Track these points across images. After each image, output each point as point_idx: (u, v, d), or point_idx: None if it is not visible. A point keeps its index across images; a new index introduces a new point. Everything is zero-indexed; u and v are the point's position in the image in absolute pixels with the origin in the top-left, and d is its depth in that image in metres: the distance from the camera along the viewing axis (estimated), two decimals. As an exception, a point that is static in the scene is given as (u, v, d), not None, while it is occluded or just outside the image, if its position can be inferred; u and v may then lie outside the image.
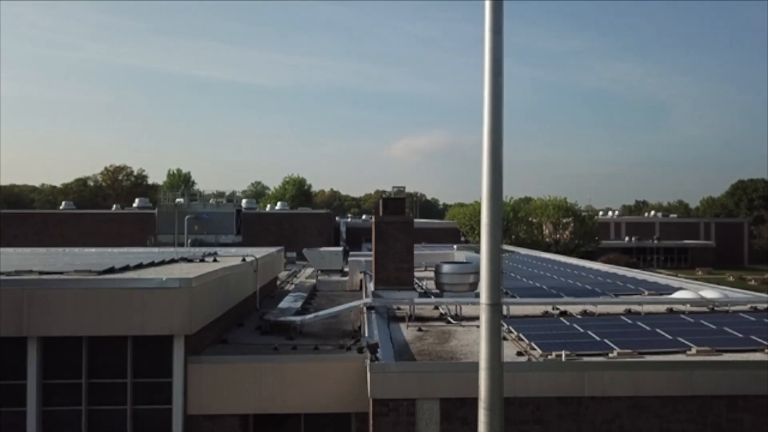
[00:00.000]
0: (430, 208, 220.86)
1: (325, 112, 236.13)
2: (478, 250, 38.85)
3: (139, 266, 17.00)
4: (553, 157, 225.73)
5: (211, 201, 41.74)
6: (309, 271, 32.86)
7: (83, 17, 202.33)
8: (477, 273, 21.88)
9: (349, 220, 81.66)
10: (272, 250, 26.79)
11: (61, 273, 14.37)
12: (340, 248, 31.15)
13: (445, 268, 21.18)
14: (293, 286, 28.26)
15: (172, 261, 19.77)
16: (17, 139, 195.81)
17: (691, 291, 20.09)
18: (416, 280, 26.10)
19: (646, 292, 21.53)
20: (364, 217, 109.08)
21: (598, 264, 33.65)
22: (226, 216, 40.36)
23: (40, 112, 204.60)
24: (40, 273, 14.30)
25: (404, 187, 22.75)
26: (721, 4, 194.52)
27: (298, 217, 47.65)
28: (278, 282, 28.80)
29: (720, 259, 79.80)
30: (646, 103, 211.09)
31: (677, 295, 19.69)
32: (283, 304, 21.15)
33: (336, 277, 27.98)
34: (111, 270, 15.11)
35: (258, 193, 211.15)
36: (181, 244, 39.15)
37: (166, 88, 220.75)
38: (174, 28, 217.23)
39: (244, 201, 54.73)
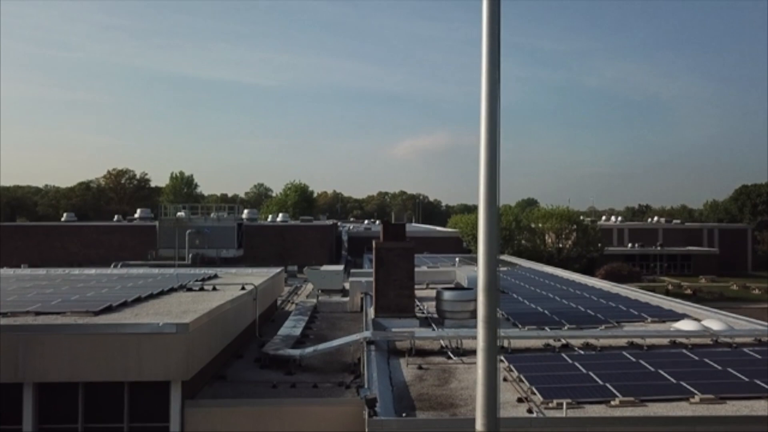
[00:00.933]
0: (432, 210, 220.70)
1: (328, 112, 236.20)
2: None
3: (138, 300, 16.90)
4: (555, 158, 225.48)
5: (212, 215, 41.65)
6: (310, 287, 32.72)
7: (85, 18, 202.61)
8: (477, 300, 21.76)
9: (351, 227, 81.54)
10: (273, 272, 26.65)
11: (58, 314, 14.26)
12: (341, 267, 31.02)
13: (446, 295, 21.07)
14: (294, 306, 28.15)
15: (171, 290, 19.70)
16: (20, 140, 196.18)
17: (693, 321, 19.88)
18: (417, 302, 25.97)
19: (649, 319, 21.33)
20: (366, 222, 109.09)
21: (600, 282, 33.43)
22: (227, 230, 40.26)
23: (42, 113, 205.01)
24: (36, 314, 14.20)
25: (406, 214, 22.59)
26: (725, 3, 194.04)
27: (300, 229, 47.53)
28: (279, 301, 28.70)
29: (723, 266, 79.46)
30: (650, 103, 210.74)
31: (680, 325, 19.48)
32: (282, 331, 21.04)
33: (337, 298, 27.85)
34: (108, 309, 15.00)
35: (261, 194, 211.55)
36: (182, 259, 39.10)
37: (168, 89, 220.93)
38: (176, 29, 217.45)
39: (245, 211, 54.61)
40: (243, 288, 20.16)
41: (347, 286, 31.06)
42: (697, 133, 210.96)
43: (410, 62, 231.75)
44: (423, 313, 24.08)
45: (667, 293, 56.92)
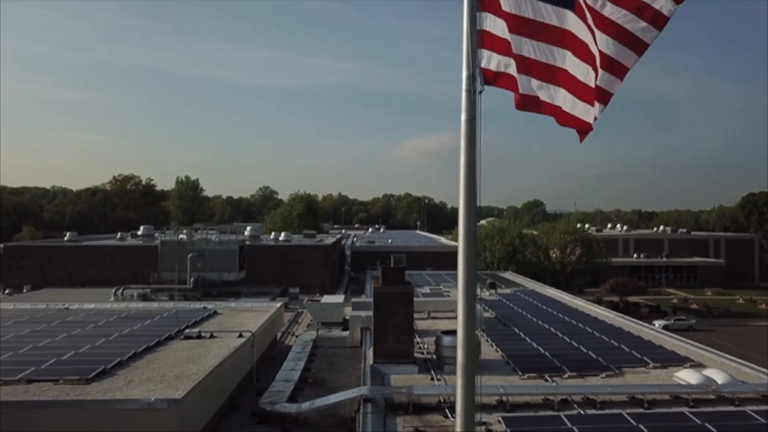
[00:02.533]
0: (437, 212, 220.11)
1: (333, 113, 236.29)
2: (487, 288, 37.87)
3: (134, 357, 16.78)
4: (560, 159, 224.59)
5: (214, 237, 41.54)
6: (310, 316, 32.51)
7: (93, 18, 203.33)
8: (478, 344, 21.54)
9: (355, 239, 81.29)
10: (273, 307, 26.49)
11: (51, 381, 14.13)
12: (341, 297, 30.83)
13: (446, 340, 20.82)
14: (294, 339, 28.00)
15: (169, 338, 19.58)
16: (27, 141, 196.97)
17: (695, 371, 19.55)
18: (417, 339, 25.76)
19: (651, 364, 21.03)
20: (370, 230, 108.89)
21: (604, 311, 33.08)
22: (229, 253, 40.15)
23: (50, 114, 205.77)
24: (28, 381, 14.08)
25: (404, 256, 22.45)
26: (735, 3, 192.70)
27: (302, 249, 47.42)
28: (279, 334, 28.55)
29: (730, 276, 78.82)
30: (657, 103, 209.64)
31: (682, 375, 19.19)
32: (281, 375, 20.90)
33: (337, 332, 27.68)
34: (102, 372, 14.86)
35: (266, 197, 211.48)
36: (184, 282, 39.01)
37: (173, 89, 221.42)
38: (183, 29, 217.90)
39: (248, 228, 54.56)
40: (240, 335, 20.02)
41: (349, 309, 30.87)
42: (705, 134, 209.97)
43: (416, 62, 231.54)
44: (423, 353, 23.87)
45: (674, 312, 56.49)
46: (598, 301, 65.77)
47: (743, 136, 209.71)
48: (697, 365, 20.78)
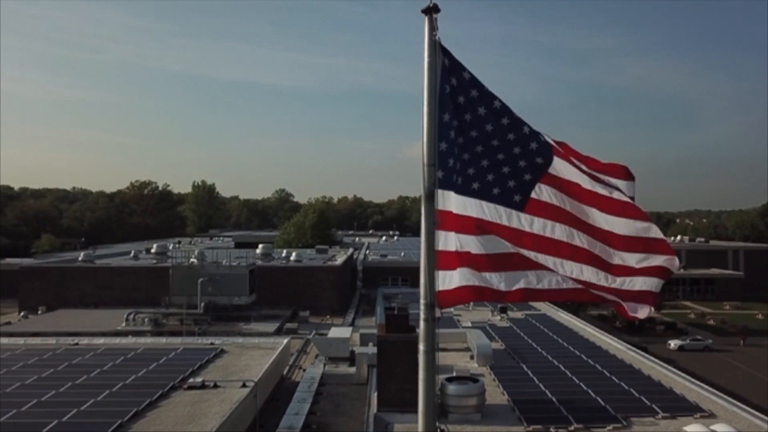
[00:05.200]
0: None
1: (348, 113, 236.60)
2: (497, 326, 37.52)
3: (135, 416, 16.85)
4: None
5: (224, 262, 41.70)
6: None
7: (107, 20, 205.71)
8: (482, 393, 21.34)
9: (368, 251, 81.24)
10: (280, 344, 26.47)
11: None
12: (348, 331, 30.73)
13: (450, 389, 20.66)
14: (302, 373, 27.98)
15: (172, 389, 19.67)
16: (47, 142, 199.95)
17: (702, 426, 19.15)
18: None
19: (660, 414, 20.67)
20: (384, 239, 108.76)
21: (615, 342, 32.59)
22: (238, 278, 40.29)
23: (68, 115, 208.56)
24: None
25: (407, 304, 22.32)
26: (756, 0, 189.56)
27: (311, 271, 47.50)
28: (287, 369, 28.55)
29: (749, 289, 77.45)
30: (675, 101, 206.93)
31: (691, 429, 18.82)
32: (285, 421, 20.84)
33: (343, 368, 27.60)
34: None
35: (282, 199, 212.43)
36: (194, 306, 39.23)
37: (188, 90, 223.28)
38: (197, 30, 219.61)
39: (260, 246, 54.74)
40: (244, 385, 20.02)
41: (357, 336, 30.73)
42: (724, 132, 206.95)
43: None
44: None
45: (687, 337, 55.52)
46: (613, 316, 65.08)
47: (763, 134, 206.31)
48: (708, 416, 20.40)
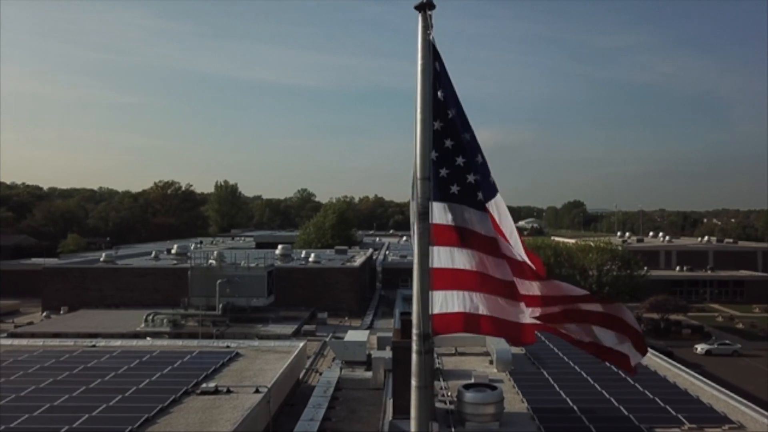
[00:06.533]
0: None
1: (370, 112, 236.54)
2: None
3: (146, 422, 16.67)
4: (603, 156, 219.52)
5: (242, 263, 41.61)
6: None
7: (137, 23, 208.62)
8: (500, 401, 20.76)
9: (387, 251, 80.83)
10: (296, 347, 26.20)
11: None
12: (365, 334, 30.36)
13: (467, 396, 20.13)
14: (318, 377, 27.68)
15: (185, 394, 19.49)
16: (76, 143, 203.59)
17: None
18: (442, 385, 25.13)
19: (686, 425, 19.90)
20: (404, 239, 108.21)
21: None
22: (257, 279, 40.17)
23: (97, 116, 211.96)
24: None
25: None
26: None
27: (330, 272, 47.27)
28: (303, 372, 28.26)
29: (779, 291, 75.36)
30: (704, 99, 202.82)
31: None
32: (299, 427, 20.54)
33: (360, 372, 27.23)
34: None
35: (304, 199, 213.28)
36: (213, 308, 39.23)
37: (212, 91, 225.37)
38: (222, 31, 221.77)
39: (279, 247, 54.63)
40: (257, 391, 19.75)
41: (374, 339, 30.31)
42: (754, 131, 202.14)
43: (458, 60, 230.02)
44: (445, 402, 23.18)
45: (714, 341, 54.13)
46: (638, 319, 63.46)
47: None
48: (737, 427, 19.58)
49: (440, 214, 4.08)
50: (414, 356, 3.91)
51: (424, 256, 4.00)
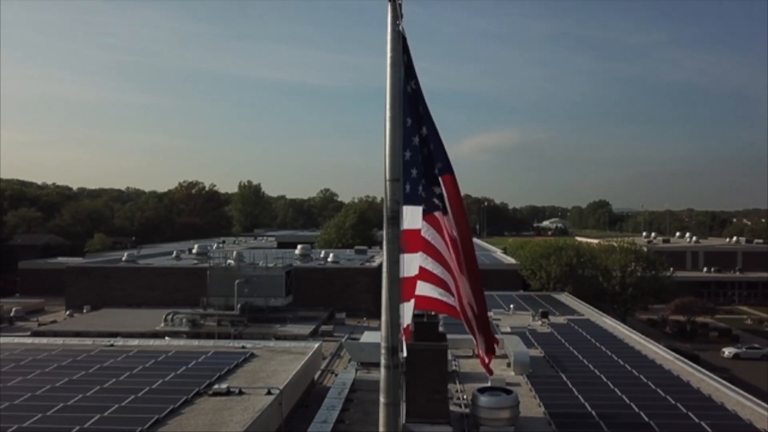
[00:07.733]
0: (498, 213, 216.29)
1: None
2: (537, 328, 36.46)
3: (156, 423, 16.67)
4: (630, 154, 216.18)
5: (261, 263, 41.71)
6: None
7: (163, 24, 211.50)
8: (516, 405, 20.37)
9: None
10: (311, 348, 26.09)
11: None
12: (382, 336, 30.08)
13: (482, 401, 19.82)
14: (333, 378, 27.52)
15: (197, 395, 19.48)
16: (103, 144, 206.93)
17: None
18: (457, 387, 24.82)
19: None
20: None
21: (662, 350, 30.94)
22: (275, 279, 40.22)
23: (123, 117, 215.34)
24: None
25: (437, 316, 21.55)
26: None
27: (349, 272, 47.21)
28: (318, 373, 28.14)
29: (810, 293, 73.30)
30: (735, 96, 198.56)
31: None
32: (311, 430, 20.38)
33: (375, 373, 26.93)
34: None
35: (326, 199, 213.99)
36: (231, 308, 39.39)
37: (235, 91, 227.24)
38: (244, 32, 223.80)
39: (299, 247, 54.73)
40: (269, 392, 19.65)
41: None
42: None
43: (478, 60, 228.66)
44: (460, 406, 22.86)
45: (742, 344, 52.73)
46: (663, 321, 62.33)
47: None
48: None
49: (412, 218, 3.81)
50: (382, 371, 3.66)
51: (394, 263, 3.74)
